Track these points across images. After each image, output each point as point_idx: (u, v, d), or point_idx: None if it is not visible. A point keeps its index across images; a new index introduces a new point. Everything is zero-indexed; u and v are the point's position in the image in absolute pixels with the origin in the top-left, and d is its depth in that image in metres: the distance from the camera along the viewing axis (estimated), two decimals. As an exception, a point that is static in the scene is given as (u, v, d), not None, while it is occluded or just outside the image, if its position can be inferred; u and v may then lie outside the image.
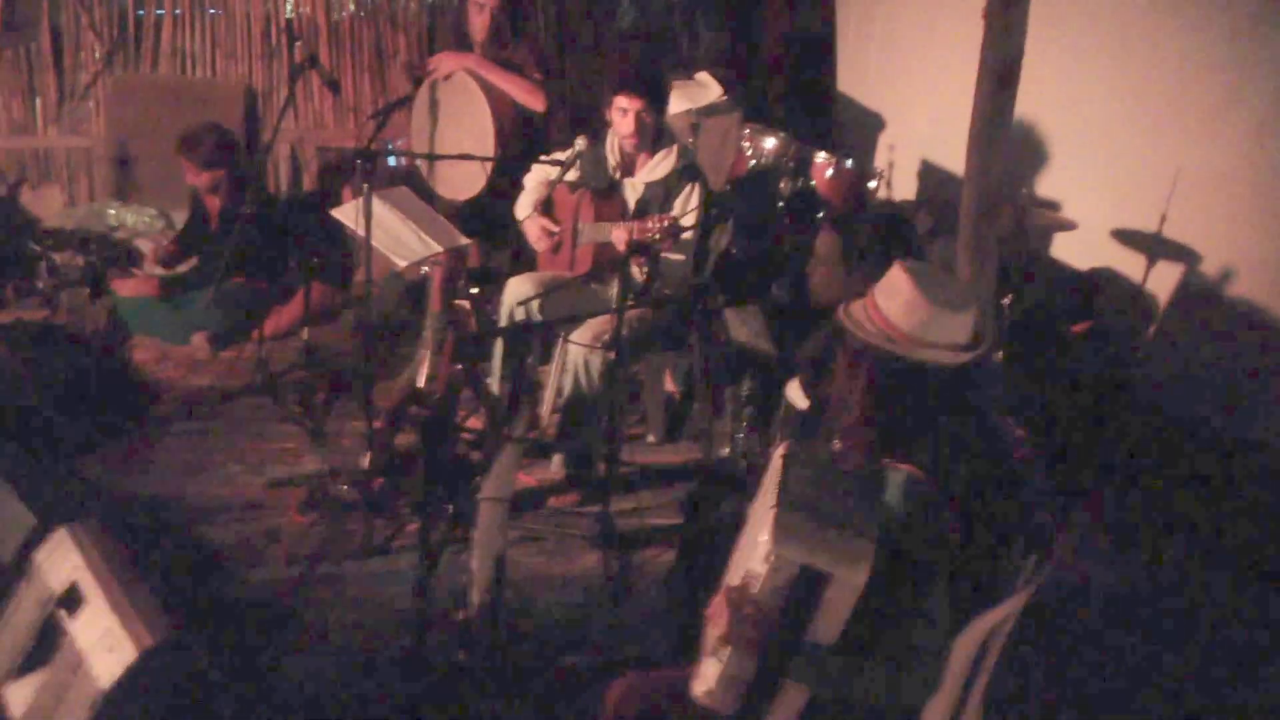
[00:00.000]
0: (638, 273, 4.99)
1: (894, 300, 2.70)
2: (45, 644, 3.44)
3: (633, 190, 5.33)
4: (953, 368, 2.67)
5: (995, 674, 2.86)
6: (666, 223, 4.85)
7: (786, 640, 2.51)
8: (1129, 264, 5.72)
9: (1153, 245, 5.54)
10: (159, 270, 6.55)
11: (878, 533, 2.50)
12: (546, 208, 5.46)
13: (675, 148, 5.33)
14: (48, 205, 7.82)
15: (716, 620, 2.56)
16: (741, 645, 2.53)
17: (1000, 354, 5.16)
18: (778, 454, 2.72)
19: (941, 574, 2.58)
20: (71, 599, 3.43)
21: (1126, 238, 5.78)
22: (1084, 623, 4.39)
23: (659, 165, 5.30)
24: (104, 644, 3.25)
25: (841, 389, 2.80)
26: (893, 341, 2.67)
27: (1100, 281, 5.71)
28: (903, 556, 2.54)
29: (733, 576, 2.64)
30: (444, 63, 6.13)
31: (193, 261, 6.59)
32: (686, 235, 5.12)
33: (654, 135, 5.29)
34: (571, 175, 5.29)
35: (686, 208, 5.23)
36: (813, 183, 6.33)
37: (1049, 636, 4.26)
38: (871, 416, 2.72)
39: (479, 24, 6.08)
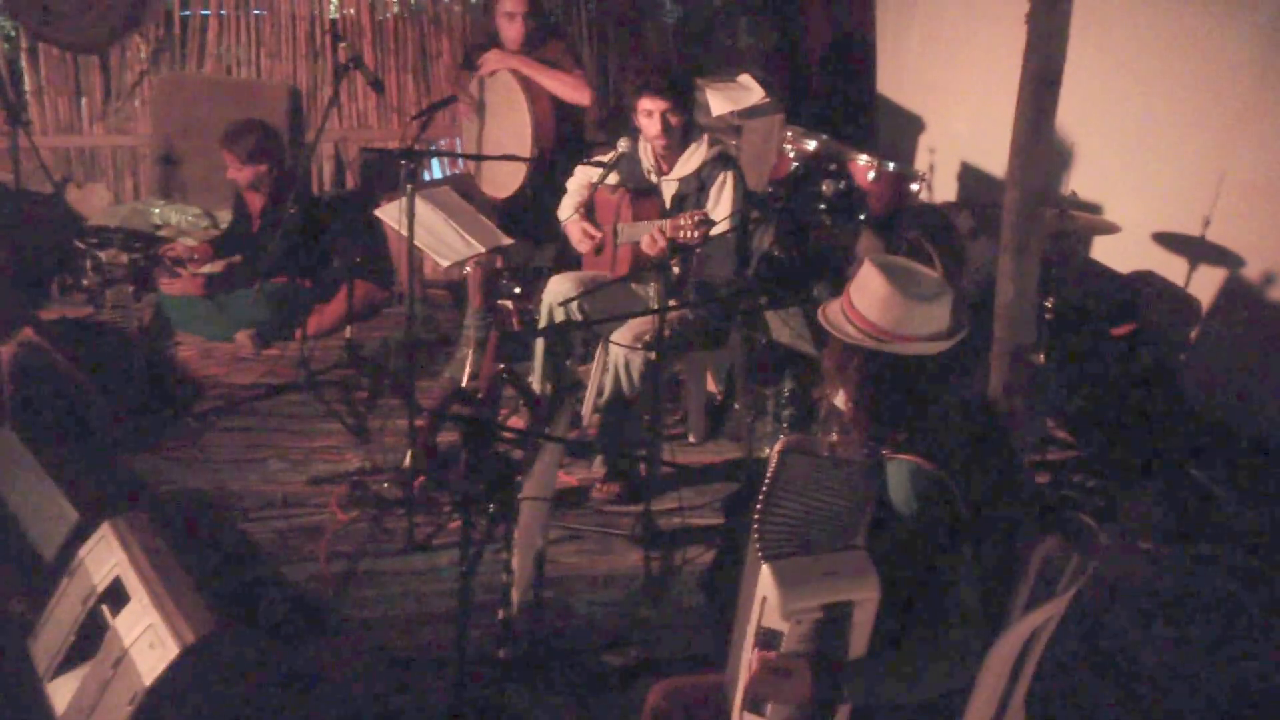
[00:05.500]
0: (676, 272, 4.99)
1: (869, 298, 2.73)
2: (89, 639, 3.48)
3: (669, 187, 5.33)
4: (937, 356, 2.71)
5: (1037, 676, 2.85)
6: (697, 218, 4.82)
7: (828, 672, 2.52)
8: (1171, 267, 5.67)
9: (1196, 249, 5.49)
10: (204, 269, 6.59)
11: (866, 526, 2.55)
12: (589, 210, 5.47)
13: (705, 138, 5.32)
14: (93, 203, 7.88)
15: (763, 689, 2.55)
16: (791, 702, 2.55)
17: (1042, 356, 5.13)
18: (776, 449, 2.78)
19: (961, 555, 2.59)
20: (115, 595, 3.46)
21: (1169, 241, 5.74)
22: (1127, 623, 4.36)
23: (691, 158, 5.29)
24: (147, 640, 3.28)
25: (833, 387, 2.84)
26: (874, 339, 2.70)
27: (1142, 284, 5.67)
28: (921, 544, 2.57)
29: (746, 617, 2.63)
30: (489, 61, 6.15)
31: (223, 262, 6.63)
32: (723, 229, 5.09)
33: (682, 133, 5.27)
34: (612, 177, 5.30)
35: (721, 196, 5.22)
36: (855, 183, 6.30)
37: (1092, 637, 4.24)
38: (864, 411, 2.76)
39: (512, 34, 6.12)
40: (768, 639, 2.52)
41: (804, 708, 2.55)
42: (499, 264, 5.87)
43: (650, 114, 5.17)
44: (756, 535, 2.55)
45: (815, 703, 2.53)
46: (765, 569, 2.48)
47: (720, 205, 5.20)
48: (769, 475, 2.68)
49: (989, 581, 2.68)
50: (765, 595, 2.48)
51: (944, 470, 2.61)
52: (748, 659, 2.57)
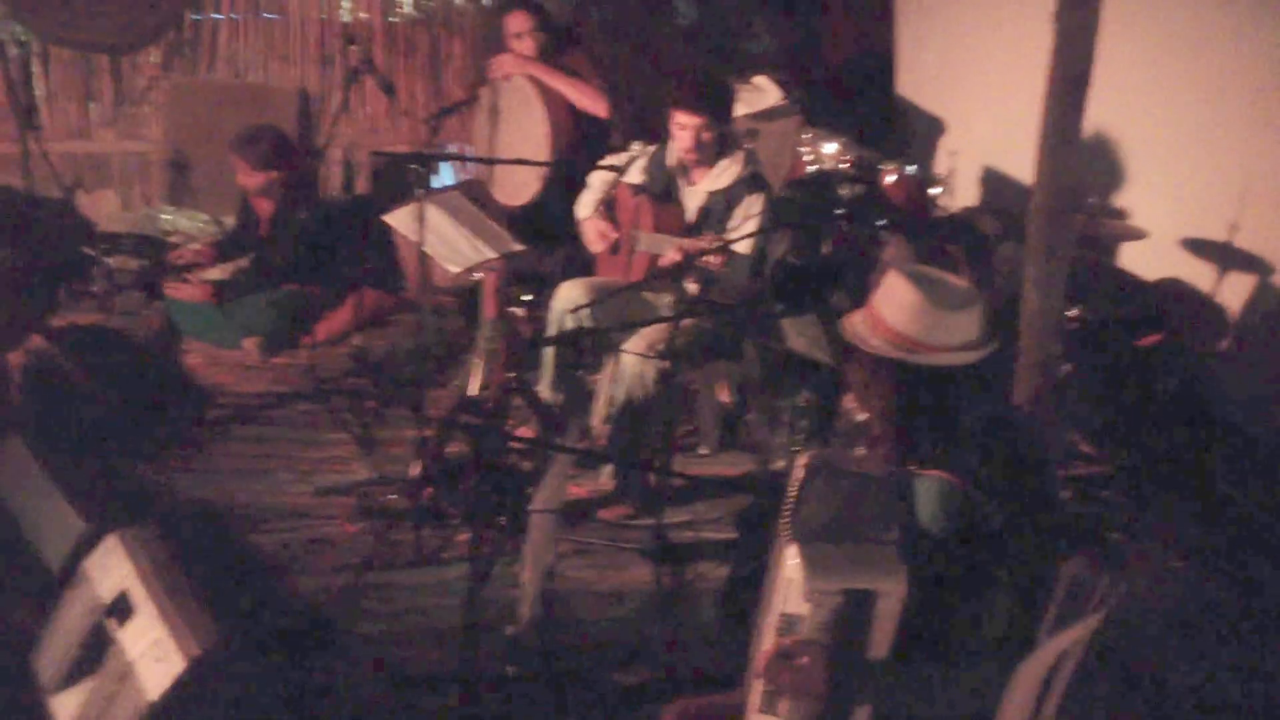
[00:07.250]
0: (691, 286, 4.93)
1: (897, 307, 2.68)
2: (93, 653, 3.43)
3: (694, 198, 5.26)
4: (966, 367, 2.65)
5: (1066, 697, 2.79)
6: (719, 245, 4.77)
7: (846, 668, 2.47)
8: (1199, 274, 5.61)
9: (1225, 256, 5.42)
10: (211, 274, 6.56)
11: (899, 536, 2.53)
12: (609, 208, 5.40)
13: (741, 155, 5.24)
14: (103, 209, 7.86)
15: (776, 679, 2.52)
16: (804, 696, 2.51)
17: (1067, 367, 5.06)
18: (800, 462, 2.71)
19: (991, 574, 2.55)
20: (121, 607, 3.41)
21: (1197, 247, 5.67)
22: (1157, 642, 4.29)
23: (723, 174, 5.21)
24: (153, 654, 3.23)
25: (859, 401, 2.79)
26: (902, 349, 2.64)
27: (1170, 293, 5.60)
28: (952, 561, 2.53)
29: (767, 609, 2.60)
30: (505, 64, 6.10)
31: (225, 266, 6.59)
32: (743, 249, 5.03)
33: (715, 149, 5.20)
34: (637, 178, 5.25)
35: (747, 219, 5.15)
36: (875, 188, 6.23)
37: (1122, 657, 4.17)
38: (892, 426, 2.71)
39: (525, 52, 6.11)
40: (787, 625, 2.48)
41: (818, 702, 2.50)
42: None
43: (684, 128, 5.11)
44: (786, 524, 2.53)
45: (829, 698, 2.48)
46: (791, 549, 2.47)
47: (744, 228, 5.12)
48: (794, 490, 2.62)
49: (1018, 601, 2.61)
50: (790, 577, 2.46)
51: (974, 487, 2.55)
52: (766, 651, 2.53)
